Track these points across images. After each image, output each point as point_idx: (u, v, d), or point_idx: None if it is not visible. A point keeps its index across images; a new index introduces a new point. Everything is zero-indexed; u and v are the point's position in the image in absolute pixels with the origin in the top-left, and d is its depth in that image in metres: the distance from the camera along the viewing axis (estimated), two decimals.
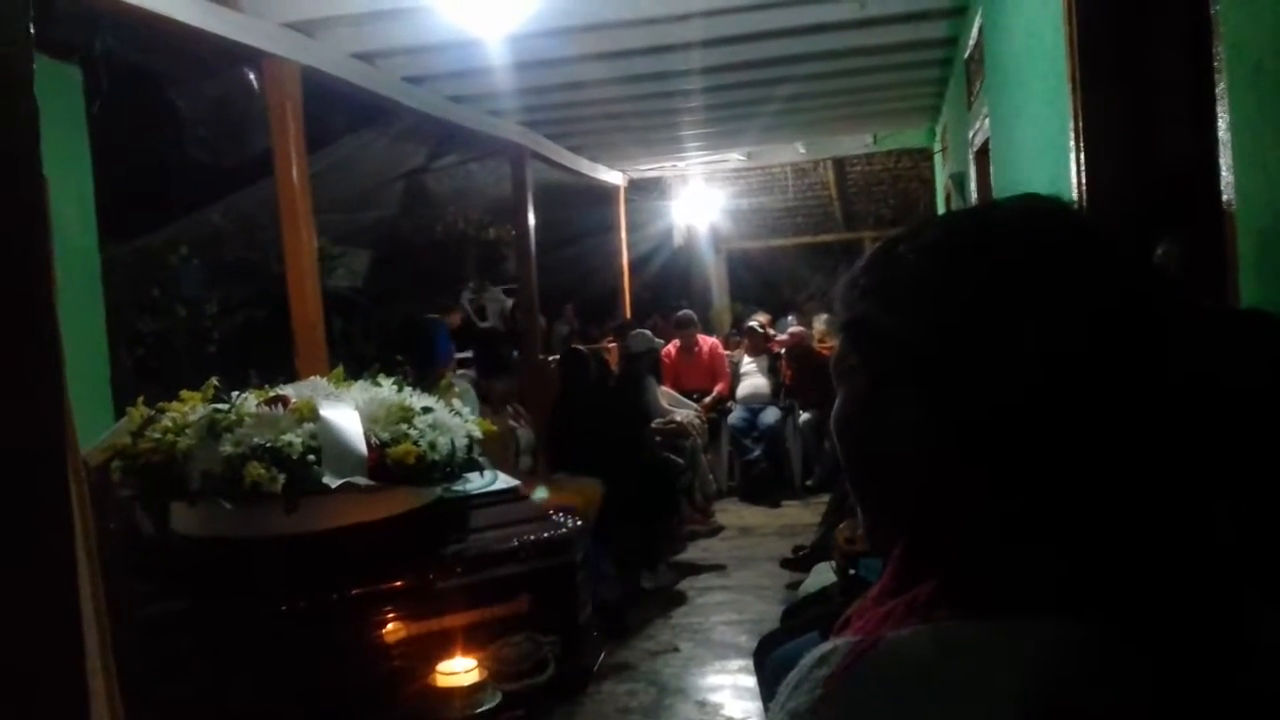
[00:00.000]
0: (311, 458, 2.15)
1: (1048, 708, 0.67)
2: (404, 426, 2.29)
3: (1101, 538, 0.72)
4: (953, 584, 0.76)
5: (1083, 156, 2.14)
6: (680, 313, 9.04)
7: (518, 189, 7.01)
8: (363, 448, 2.21)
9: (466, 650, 2.20)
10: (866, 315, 0.79)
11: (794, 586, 5.49)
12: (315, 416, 2.20)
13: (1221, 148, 1.32)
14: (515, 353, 6.46)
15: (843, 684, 0.73)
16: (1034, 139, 2.96)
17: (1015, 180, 3.42)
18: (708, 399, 8.34)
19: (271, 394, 2.29)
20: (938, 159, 8.87)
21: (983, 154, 4.90)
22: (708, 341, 8.93)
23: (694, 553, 6.50)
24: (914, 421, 0.75)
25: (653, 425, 7.05)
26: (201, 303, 7.89)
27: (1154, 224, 1.66)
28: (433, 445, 2.29)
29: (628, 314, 9.57)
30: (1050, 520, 0.73)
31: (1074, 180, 2.22)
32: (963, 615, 0.74)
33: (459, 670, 2.16)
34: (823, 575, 4.17)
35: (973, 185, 5.30)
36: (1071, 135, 2.19)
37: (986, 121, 4.41)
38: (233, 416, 2.27)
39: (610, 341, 9.40)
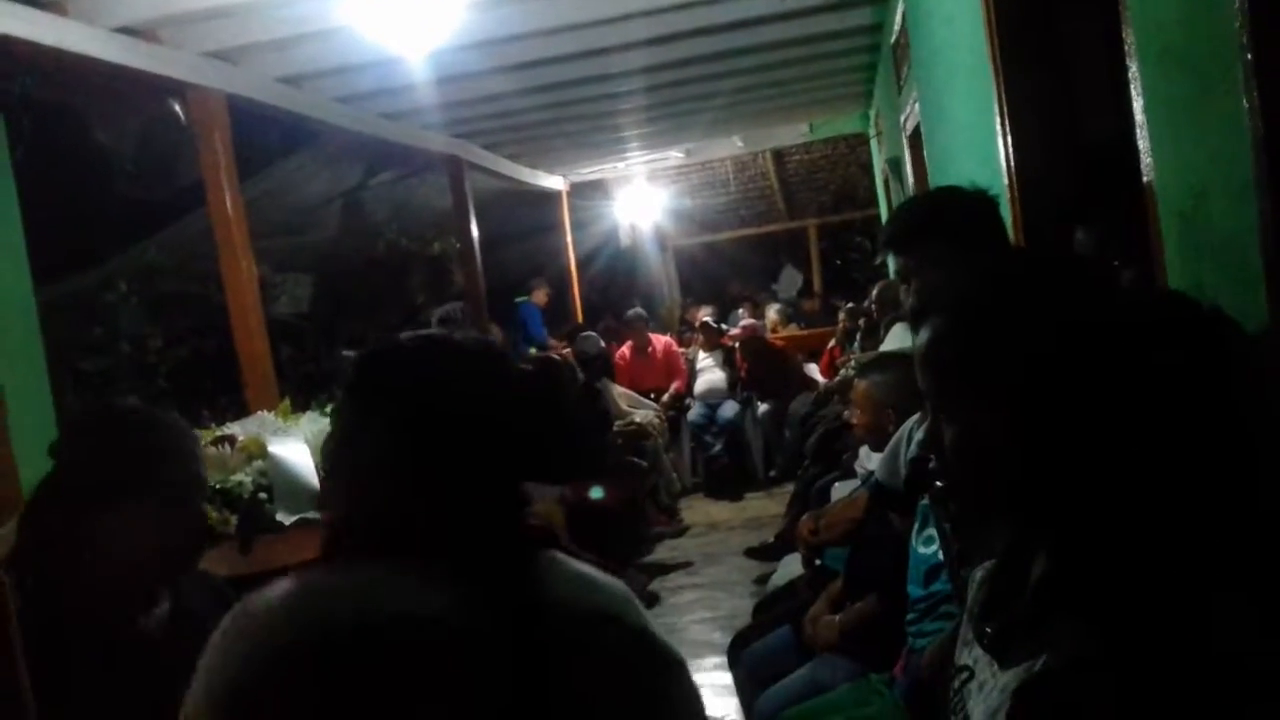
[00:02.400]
0: (263, 496, 2.12)
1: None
2: None
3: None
4: None
5: (1009, 140, 2.16)
6: (631, 312, 9.04)
7: (458, 201, 6.97)
8: (315, 481, 2.18)
9: None
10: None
11: (763, 579, 5.51)
12: (264, 453, 2.17)
13: (1138, 129, 1.34)
14: None
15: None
16: (963, 122, 2.99)
17: (948, 164, 3.45)
18: (666, 397, 8.35)
19: (218, 433, 2.26)
20: (873, 143, 8.94)
21: (916, 137, 4.94)
22: (661, 340, 8.94)
23: (662, 553, 6.50)
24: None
25: (613, 429, 7.06)
26: (145, 338, 7.77)
27: (1078, 206, 1.69)
28: None
29: (579, 317, 9.55)
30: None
31: (1002, 164, 2.24)
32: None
33: None
34: (790, 567, 4.19)
35: (908, 169, 5.35)
36: (997, 118, 2.21)
37: (916, 106, 4.45)
38: None
39: (563, 346, 9.38)
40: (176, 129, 5.41)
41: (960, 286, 1.07)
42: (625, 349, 8.80)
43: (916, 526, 2.18)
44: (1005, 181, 2.22)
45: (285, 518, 2.11)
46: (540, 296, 9.85)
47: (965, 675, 1.14)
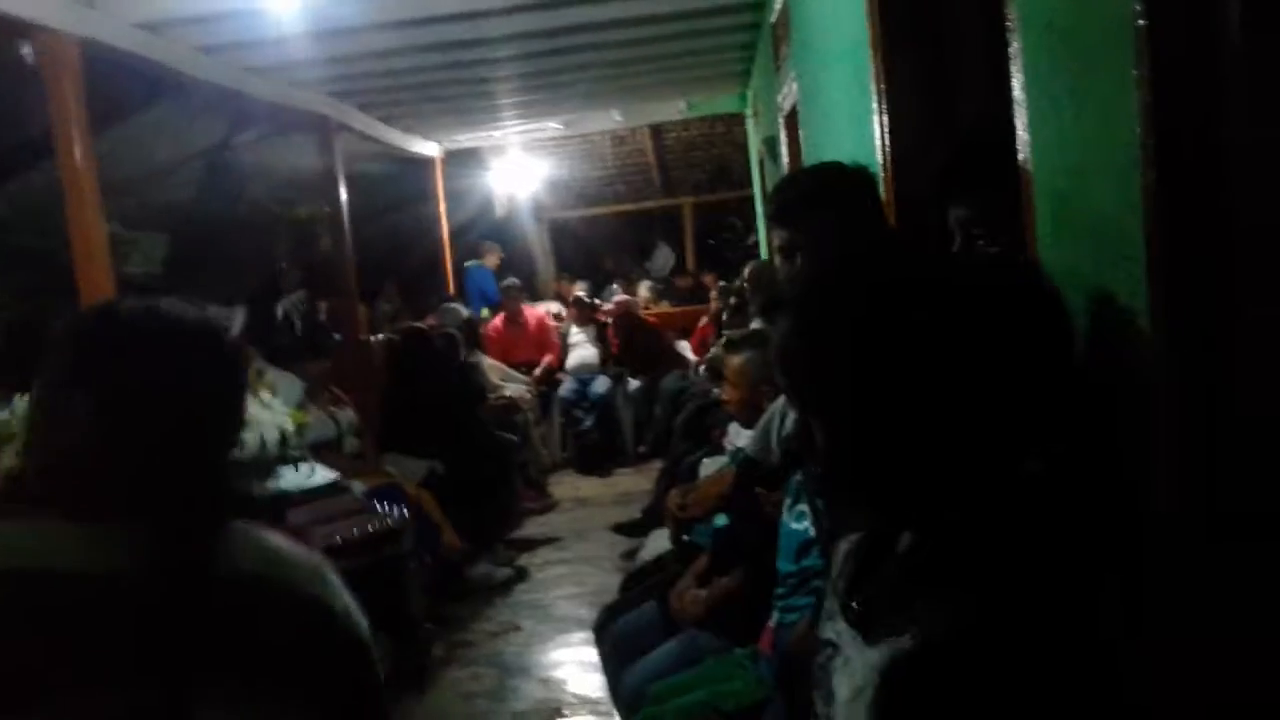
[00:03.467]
0: None
1: None
2: None
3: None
4: None
5: (885, 119, 2.17)
6: (505, 282, 8.91)
7: (327, 164, 6.72)
8: None
9: None
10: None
11: (631, 555, 5.52)
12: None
13: (1016, 107, 1.34)
14: (335, 335, 6.21)
15: None
16: (840, 102, 3.00)
17: (824, 144, 3.47)
18: (537, 371, 8.28)
19: None
20: (750, 124, 9.01)
21: (792, 118, 4.98)
22: (534, 313, 8.86)
23: (531, 528, 6.46)
24: None
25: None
26: None
27: (951, 186, 1.69)
28: (240, 444, 2.15)
29: (450, 289, 9.38)
30: None
31: (877, 143, 2.25)
32: None
33: None
34: (658, 542, 4.20)
35: (783, 149, 5.39)
36: (874, 98, 2.21)
37: (795, 86, 4.48)
38: (14, 426, 2.07)
39: (432, 318, 9.20)
40: (24, 74, 5.05)
41: (799, 286, 1.07)
42: (497, 320, 8.68)
43: (788, 502, 2.18)
44: (880, 160, 2.23)
45: None
46: (491, 260, 9.80)
47: (830, 650, 1.12)
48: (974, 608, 0.92)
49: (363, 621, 1.25)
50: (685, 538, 3.56)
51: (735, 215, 13.22)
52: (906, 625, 0.96)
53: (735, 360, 3.08)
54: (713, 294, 8.68)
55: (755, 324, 3.21)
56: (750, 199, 10.66)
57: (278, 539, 1.25)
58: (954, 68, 2.11)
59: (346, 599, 1.24)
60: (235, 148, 8.07)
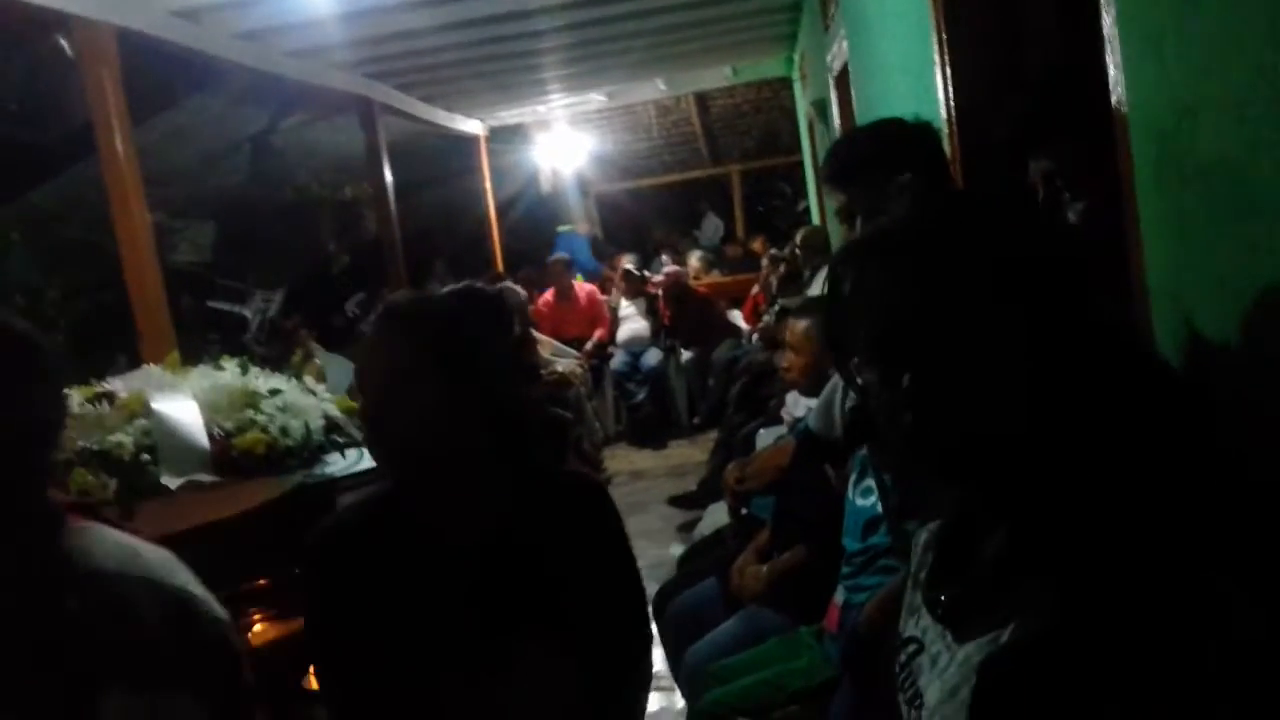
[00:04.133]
0: (146, 457, 1.94)
1: None
2: (250, 413, 2.09)
3: None
4: None
5: (948, 71, 2.04)
6: (553, 257, 8.84)
7: (371, 145, 6.68)
8: (204, 441, 2.00)
9: None
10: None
11: (687, 527, 5.44)
12: (147, 411, 1.99)
13: (1107, 45, 1.22)
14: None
15: None
16: (895, 58, 2.87)
17: (878, 103, 3.34)
18: (589, 346, 8.21)
19: (97, 389, 2.06)
20: (797, 87, 8.83)
21: (843, 78, 4.82)
22: (584, 288, 8.77)
23: None
24: None
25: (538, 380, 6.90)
26: (41, 290, 7.37)
27: (1027, 138, 1.58)
28: (284, 430, 2.10)
29: (499, 266, 9.33)
30: None
31: (940, 98, 2.13)
32: None
33: None
34: (716, 516, 4.11)
35: (835, 110, 5.24)
36: (935, 51, 2.09)
37: (844, 44, 4.33)
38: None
39: None
40: (65, 66, 5.06)
41: (895, 230, 0.95)
42: (547, 295, 8.61)
43: (854, 478, 2.08)
44: (944, 115, 2.11)
45: (170, 481, 1.93)
46: (583, 227, 9.76)
47: (914, 648, 1.03)
48: (1078, 599, 0.83)
49: (218, 605, 1.36)
50: (744, 511, 3.47)
51: (784, 181, 13.04)
52: (1003, 619, 0.86)
53: (799, 325, 2.95)
54: (764, 261, 8.54)
55: (812, 290, 3.08)
56: (799, 164, 10.48)
57: (130, 537, 1.36)
58: (1018, 14, 1.98)
59: (201, 586, 1.36)
60: (280, 133, 8.09)
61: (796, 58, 8.04)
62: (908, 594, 1.08)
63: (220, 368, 2.31)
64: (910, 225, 0.93)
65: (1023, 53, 1.98)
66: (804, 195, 11.30)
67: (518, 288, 8.24)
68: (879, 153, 1.87)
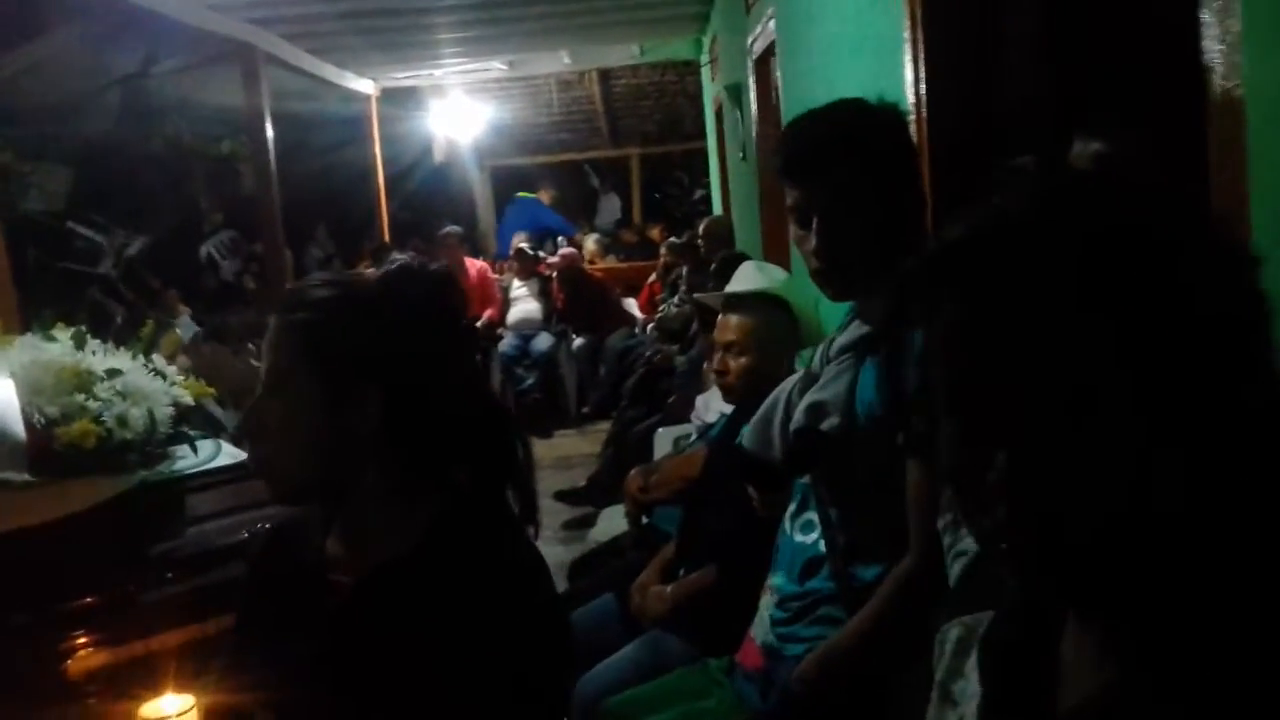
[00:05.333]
0: None
1: None
2: (80, 398, 1.72)
3: None
4: None
5: (921, 48, 1.80)
6: (445, 229, 8.42)
7: (251, 97, 6.18)
8: (19, 430, 1.63)
9: (181, 680, 1.69)
10: None
11: (574, 525, 5.19)
12: None
13: (1208, 17, 0.98)
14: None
15: None
16: (845, 37, 2.63)
17: (816, 87, 3.09)
18: (477, 325, 7.84)
19: None
20: (705, 71, 8.60)
21: (764, 61, 4.59)
22: (475, 264, 8.41)
23: None
24: None
25: None
26: None
27: (1071, 121, 1.34)
28: (122, 420, 1.74)
29: (385, 236, 8.87)
30: None
31: (908, 78, 1.88)
32: None
33: (169, 712, 1.65)
34: (612, 522, 3.85)
35: (752, 96, 5.00)
36: (906, 27, 1.84)
37: (771, 25, 4.09)
38: None
39: (366, 266, 8.70)
40: None
41: (983, 245, 0.66)
42: None
43: (792, 508, 1.83)
44: (912, 99, 1.87)
45: None
46: (545, 196, 9.42)
47: None
48: None
49: None
50: (645, 520, 3.22)
51: (682, 169, 12.83)
52: None
53: (748, 320, 2.63)
54: (662, 249, 8.30)
55: (734, 284, 2.81)
56: (700, 152, 10.28)
57: None
58: None
59: None
60: (155, 78, 7.47)
61: (706, 40, 7.80)
62: (933, 708, 0.82)
63: (51, 338, 1.93)
64: (1012, 238, 0.65)
65: (1003, 25, 1.74)
66: (701, 184, 11.11)
67: (404, 258, 7.82)
68: (838, 141, 1.61)
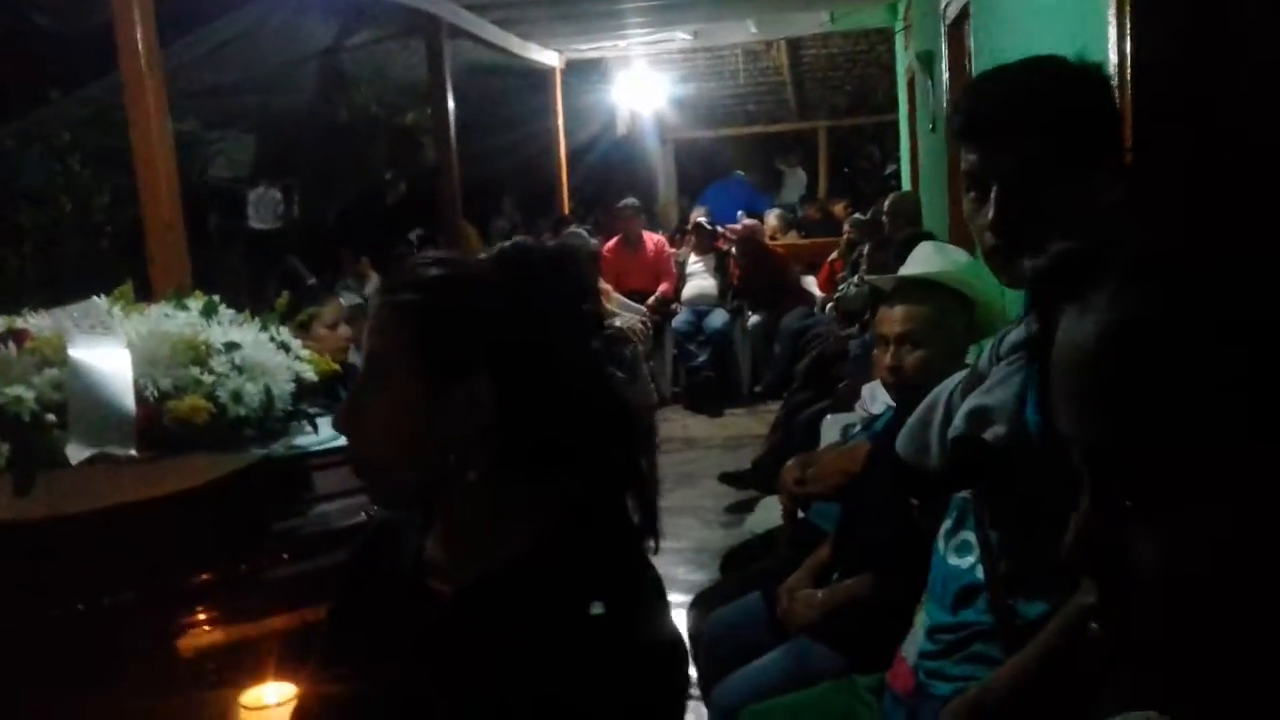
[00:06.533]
0: (52, 418, 1.53)
1: None
2: (195, 371, 1.67)
3: None
4: None
5: (1127, 8, 1.52)
6: (623, 203, 8.35)
7: (434, 68, 6.24)
8: (129, 403, 1.59)
9: (284, 668, 1.62)
10: None
11: (736, 509, 5.05)
12: (63, 359, 1.58)
13: None
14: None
15: None
16: None
17: (1013, 52, 2.79)
18: (651, 300, 7.75)
19: (6, 326, 1.66)
20: (898, 40, 8.19)
21: (958, 27, 4.26)
22: (652, 238, 8.29)
23: None
24: None
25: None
26: (91, 194, 7.08)
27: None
28: (236, 395, 1.68)
29: (565, 209, 8.88)
30: None
31: (1112, 41, 1.61)
32: None
33: (270, 702, 1.58)
34: (769, 513, 3.66)
35: (944, 64, 4.66)
36: None
37: None
38: None
39: (549, 239, 8.74)
40: None
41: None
42: (613, 243, 8.14)
43: (947, 525, 1.60)
44: (1115, 62, 1.59)
45: (77, 451, 1.52)
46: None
47: None
48: None
49: None
50: (801, 514, 3.01)
51: (873, 143, 12.37)
52: None
53: (923, 310, 2.37)
54: (845, 226, 7.96)
55: (908, 267, 2.56)
56: (892, 125, 9.84)
57: None
58: None
59: None
60: (349, 50, 7.67)
61: (901, 5, 7.41)
62: None
63: (184, 306, 1.89)
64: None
65: None
66: (894, 159, 10.66)
67: (583, 232, 7.80)
68: (1028, 102, 1.37)
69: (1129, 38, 1.56)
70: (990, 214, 1.40)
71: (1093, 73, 1.41)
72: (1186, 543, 0.47)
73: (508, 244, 1.23)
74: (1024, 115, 1.36)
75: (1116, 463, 0.50)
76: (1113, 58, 1.62)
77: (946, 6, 4.37)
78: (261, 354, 1.76)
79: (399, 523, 1.30)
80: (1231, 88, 1.37)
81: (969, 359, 2.35)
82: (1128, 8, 1.58)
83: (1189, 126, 1.42)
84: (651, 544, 1.18)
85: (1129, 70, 1.57)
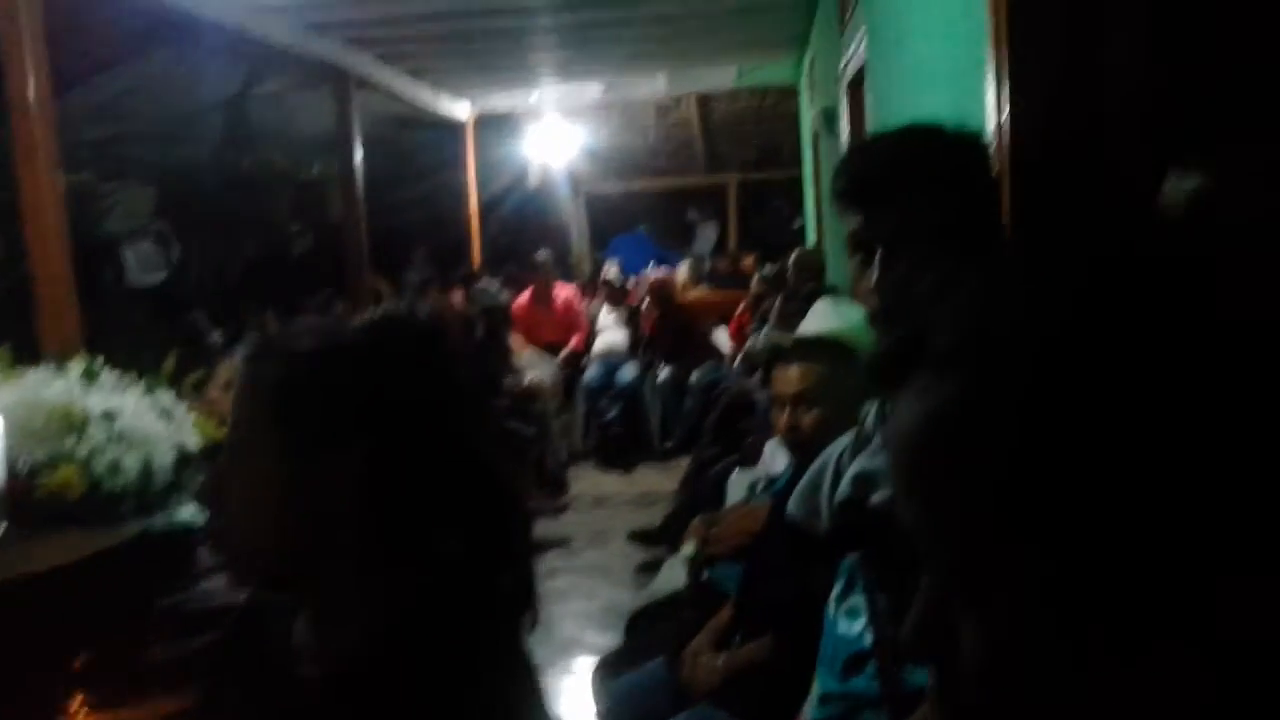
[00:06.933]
0: None
1: None
2: (70, 441, 1.61)
3: None
4: None
5: (1005, 70, 1.58)
6: (539, 253, 8.35)
7: (342, 119, 6.19)
8: None
9: None
10: None
11: (647, 568, 5.00)
12: None
13: None
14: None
15: None
16: (929, 60, 2.41)
17: (902, 110, 2.87)
18: (562, 354, 7.74)
19: None
20: (803, 98, 8.38)
21: (857, 84, 4.37)
22: (564, 292, 8.30)
23: (541, 529, 5.92)
24: None
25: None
26: None
27: (1173, 147, 1.11)
28: (114, 467, 1.62)
29: (477, 262, 8.85)
30: None
31: (990, 103, 1.67)
32: None
33: None
34: (673, 574, 3.64)
35: (844, 121, 4.78)
36: (989, 42, 1.62)
37: (863, 47, 3.87)
38: None
39: (456, 293, 8.70)
40: None
41: (1012, 313, 0.49)
42: (525, 296, 8.13)
43: (838, 589, 1.61)
44: (993, 124, 1.65)
45: None
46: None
47: None
48: None
49: None
50: (705, 575, 3.01)
51: (782, 197, 12.60)
52: None
53: (809, 369, 2.39)
54: (753, 280, 8.07)
55: (807, 324, 2.60)
56: (798, 180, 10.03)
57: None
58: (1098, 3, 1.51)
59: None
60: (255, 99, 7.57)
61: (806, 62, 7.59)
62: None
63: (63, 371, 1.83)
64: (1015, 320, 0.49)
65: (1099, 50, 1.51)
66: (799, 214, 10.86)
67: (494, 286, 7.79)
68: (907, 166, 1.41)
69: (1006, 104, 1.61)
70: (874, 277, 1.43)
71: (970, 139, 1.46)
72: (984, 636, 0.48)
73: (378, 313, 1.21)
74: (904, 179, 1.40)
75: (927, 550, 0.50)
76: (991, 123, 1.68)
77: (845, 67, 4.49)
78: (143, 422, 1.70)
79: (273, 602, 1.26)
80: (1101, 152, 1.42)
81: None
82: (1005, 78, 1.63)
83: (1062, 192, 1.47)
84: (530, 620, 1.16)
85: (1006, 136, 1.62)
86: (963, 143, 1.41)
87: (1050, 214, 1.48)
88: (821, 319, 2.56)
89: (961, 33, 1.93)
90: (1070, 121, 1.48)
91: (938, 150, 1.40)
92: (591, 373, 7.69)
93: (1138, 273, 0.47)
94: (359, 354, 1.11)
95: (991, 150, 1.57)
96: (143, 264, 5.97)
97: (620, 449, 7.34)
